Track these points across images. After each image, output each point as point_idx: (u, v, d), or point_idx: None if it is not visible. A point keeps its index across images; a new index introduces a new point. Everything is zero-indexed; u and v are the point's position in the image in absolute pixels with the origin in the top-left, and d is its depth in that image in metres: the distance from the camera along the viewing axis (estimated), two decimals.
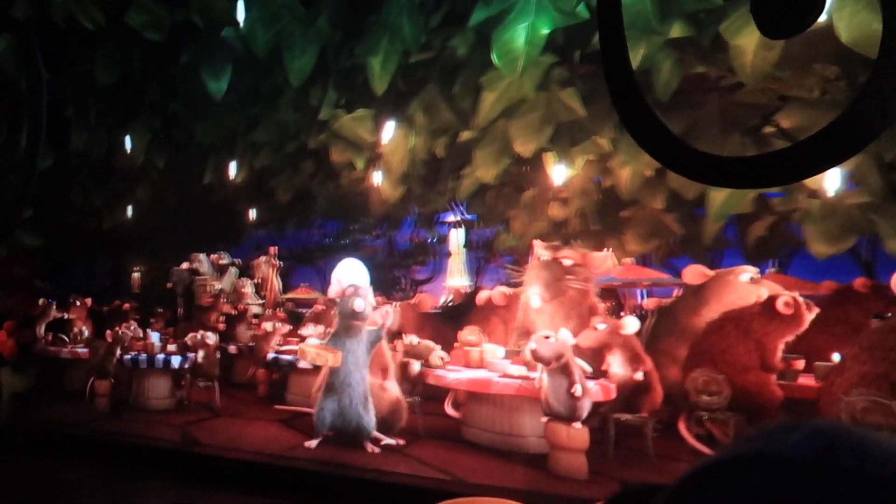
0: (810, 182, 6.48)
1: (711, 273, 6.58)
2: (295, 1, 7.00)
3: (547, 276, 6.22)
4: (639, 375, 5.58)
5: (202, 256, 10.90)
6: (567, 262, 6.22)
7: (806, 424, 0.45)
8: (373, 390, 5.80)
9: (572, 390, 4.96)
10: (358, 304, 5.68)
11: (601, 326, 5.74)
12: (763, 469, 0.42)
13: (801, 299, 5.50)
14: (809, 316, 5.47)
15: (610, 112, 4.81)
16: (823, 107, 6.18)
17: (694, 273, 6.58)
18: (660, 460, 5.28)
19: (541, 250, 6.43)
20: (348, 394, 5.61)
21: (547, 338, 5.10)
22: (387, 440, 5.65)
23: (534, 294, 6.23)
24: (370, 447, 5.57)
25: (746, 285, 6.11)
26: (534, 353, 5.09)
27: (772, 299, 5.57)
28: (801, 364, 5.82)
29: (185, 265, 11.06)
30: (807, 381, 5.66)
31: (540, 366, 5.22)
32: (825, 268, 7.31)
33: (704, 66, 6.33)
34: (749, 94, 6.51)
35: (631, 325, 5.69)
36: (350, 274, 6.24)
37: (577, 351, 5.35)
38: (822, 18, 4.70)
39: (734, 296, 6.07)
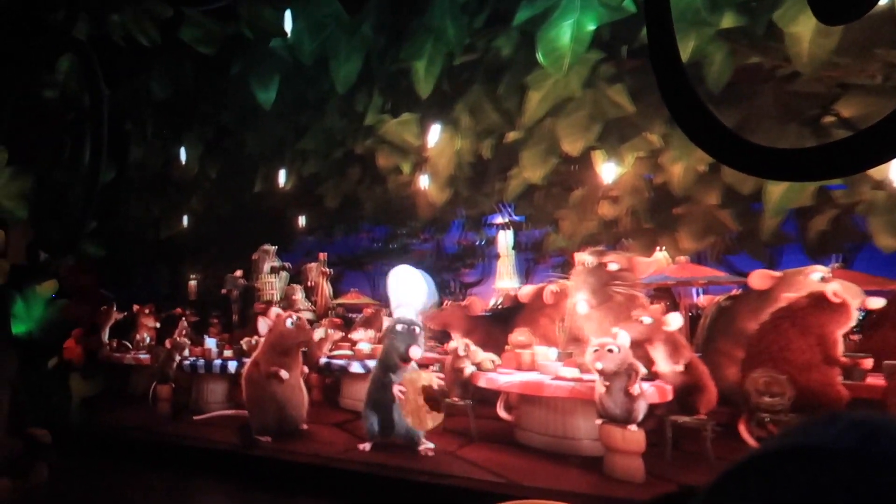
0: (874, 172, 6.20)
1: (779, 274, 6.33)
2: (340, 9, 7.10)
3: (593, 282, 6.13)
4: (679, 367, 5.51)
5: (268, 246, 11.20)
6: (613, 268, 6.11)
7: (845, 415, 0.44)
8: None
9: (631, 389, 4.88)
10: (414, 353, 5.69)
11: (646, 320, 5.64)
12: (802, 460, 0.41)
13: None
14: (854, 302, 5.34)
15: (660, 107, 4.70)
16: (886, 94, 5.92)
17: (760, 277, 6.34)
18: (719, 463, 5.14)
19: (585, 256, 6.34)
20: (398, 411, 5.68)
21: (610, 352, 5.02)
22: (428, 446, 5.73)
23: (581, 300, 6.15)
24: (424, 450, 5.60)
25: (817, 285, 5.87)
26: (601, 372, 5.03)
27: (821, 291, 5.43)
28: (869, 363, 5.55)
29: (238, 272, 11.34)
30: (876, 380, 5.41)
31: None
32: (892, 262, 6.98)
33: (758, 57, 6.13)
34: (806, 83, 6.27)
35: (674, 321, 5.58)
36: (405, 290, 6.06)
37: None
38: (883, 1, 4.51)
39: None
